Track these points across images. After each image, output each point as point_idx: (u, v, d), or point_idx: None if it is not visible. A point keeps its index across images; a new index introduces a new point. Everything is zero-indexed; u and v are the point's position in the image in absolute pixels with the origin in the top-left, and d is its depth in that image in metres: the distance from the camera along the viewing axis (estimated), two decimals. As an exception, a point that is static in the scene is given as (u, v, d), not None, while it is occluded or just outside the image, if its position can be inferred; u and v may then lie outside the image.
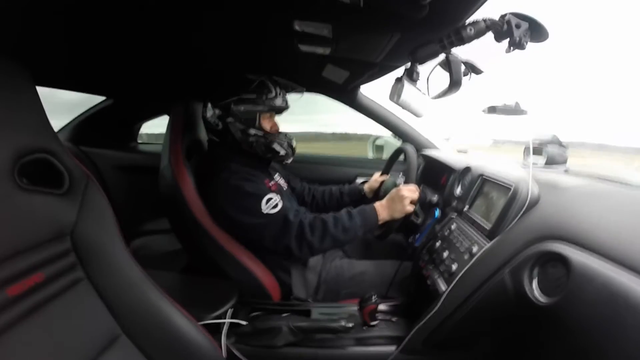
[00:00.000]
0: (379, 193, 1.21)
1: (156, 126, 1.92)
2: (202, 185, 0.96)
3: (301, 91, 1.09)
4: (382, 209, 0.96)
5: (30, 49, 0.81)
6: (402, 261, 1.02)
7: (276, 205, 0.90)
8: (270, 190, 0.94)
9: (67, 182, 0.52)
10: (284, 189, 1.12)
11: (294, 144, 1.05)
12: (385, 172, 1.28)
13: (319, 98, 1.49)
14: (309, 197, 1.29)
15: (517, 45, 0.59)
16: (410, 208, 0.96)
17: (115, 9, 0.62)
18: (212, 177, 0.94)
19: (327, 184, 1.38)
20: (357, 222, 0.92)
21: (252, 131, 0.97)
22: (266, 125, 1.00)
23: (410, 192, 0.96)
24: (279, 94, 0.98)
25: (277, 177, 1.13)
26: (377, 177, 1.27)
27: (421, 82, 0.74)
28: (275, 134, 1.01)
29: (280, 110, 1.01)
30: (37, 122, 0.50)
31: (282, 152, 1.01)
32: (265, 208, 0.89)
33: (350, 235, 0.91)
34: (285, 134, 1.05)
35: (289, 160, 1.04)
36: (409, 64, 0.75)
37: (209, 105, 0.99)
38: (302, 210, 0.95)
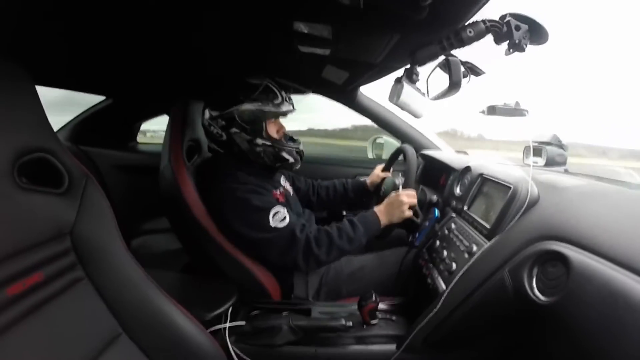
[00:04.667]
0: (380, 189, 1.22)
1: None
2: (206, 190, 0.95)
3: (305, 92, 1.08)
4: (382, 215, 0.97)
5: (30, 48, 0.81)
6: (408, 249, 1.03)
7: (284, 219, 0.89)
8: (277, 202, 0.93)
9: (66, 182, 0.52)
10: (290, 193, 1.12)
11: (302, 147, 1.03)
12: (386, 168, 1.29)
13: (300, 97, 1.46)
14: (314, 196, 1.29)
15: (516, 47, 0.59)
16: (408, 213, 0.97)
17: (115, 8, 0.62)
18: (217, 185, 0.93)
19: None
20: (360, 231, 0.93)
21: (260, 141, 0.94)
22: (273, 130, 0.97)
23: (408, 197, 0.97)
24: (285, 99, 0.96)
25: (283, 181, 1.12)
26: (378, 172, 1.27)
27: (421, 83, 0.74)
28: (283, 141, 0.98)
29: (286, 114, 0.99)
30: (36, 122, 0.50)
31: (291, 160, 0.99)
32: (273, 222, 0.88)
33: (355, 244, 0.92)
34: (292, 139, 1.03)
35: (298, 166, 1.03)
36: (408, 65, 0.75)
37: (209, 114, 0.95)
38: (307, 217, 0.95)
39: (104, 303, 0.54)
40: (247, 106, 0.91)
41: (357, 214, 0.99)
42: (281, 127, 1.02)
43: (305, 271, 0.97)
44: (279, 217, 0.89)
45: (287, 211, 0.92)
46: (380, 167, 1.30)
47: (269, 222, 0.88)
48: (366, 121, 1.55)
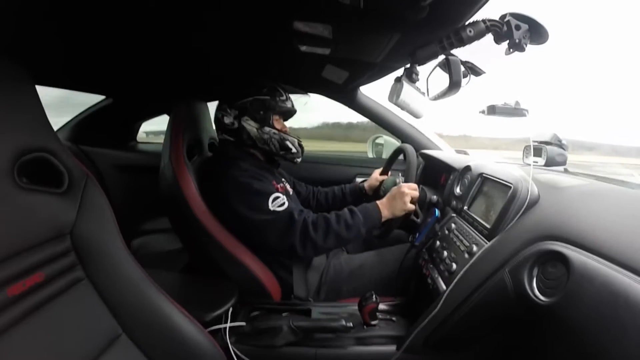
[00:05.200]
0: (379, 192, 1.22)
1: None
2: (206, 181, 0.97)
3: (305, 94, 1.12)
4: (384, 207, 0.96)
5: (30, 48, 0.81)
6: (408, 249, 1.04)
7: (283, 204, 0.92)
8: (277, 190, 0.96)
9: (66, 182, 0.52)
10: (290, 193, 1.13)
11: (302, 144, 1.09)
12: (384, 171, 1.29)
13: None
14: (313, 200, 1.31)
15: (516, 46, 0.59)
16: (411, 206, 0.96)
17: (116, 8, 0.62)
18: (219, 174, 0.95)
19: (327, 183, 1.38)
20: (359, 219, 0.92)
21: (267, 129, 1.02)
22: (277, 126, 1.05)
23: (411, 189, 0.97)
24: (289, 98, 1.06)
25: (283, 181, 1.15)
26: (377, 176, 1.28)
27: (420, 83, 0.74)
28: (286, 133, 1.06)
29: (290, 113, 1.11)
30: (36, 121, 0.50)
31: (294, 150, 1.05)
32: (272, 205, 0.91)
33: (353, 232, 0.91)
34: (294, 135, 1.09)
35: (299, 159, 1.08)
36: (408, 65, 0.75)
37: (226, 107, 1.03)
38: (306, 210, 0.96)
39: (104, 303, 0.54)
40: (258, 98, 1.02)
41: None
42: (284, 125, 1.10)
43: (303, 257, 0.97)
44: (278, 202, 0.92)
45: (287, 199, 0.94)
46: (378, 171, 1.30)
47: (268, 205, 0.90)
48: (339, 118, 1.56)
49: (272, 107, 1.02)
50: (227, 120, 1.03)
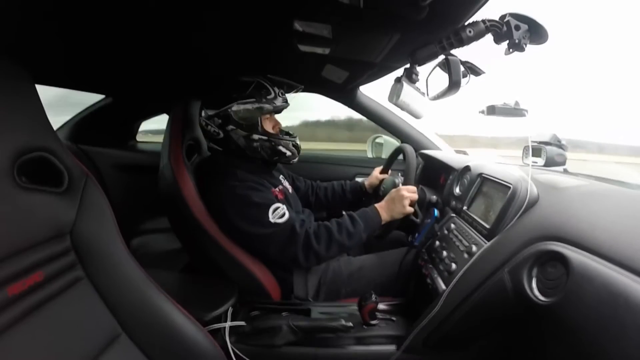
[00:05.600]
0: (379, 191, 1.22)
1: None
2: (205, 188, 0.95)
3: (299, 89, 1.08)
4: (383, 210, 0.96)
5: (30, 47, 0.81)
6: (407, 249, 1.03)
7: (283, 215, 0.89)
8: (276, 199, 0.94)
9: (66, 181, 0.52)
10: (290, 191, 1.11)
11: (298, 142, 1.04)
12: (384, 170, 1.29)
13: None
14: (312, 196, 1.30)
15: (516, 47, 0.59)
16: (409, 209, 0.96)
17: (116, 7, 0.62)
18: (217, 182, 0.93)
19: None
20: (360, 226, 0.92)
21: (256, 136, 0.96)
22: (268, 126, 0.99)
23: (409, 192, 0.97)
24: (278, 94, 0.97)
25: (282, 179, 1.13)
26: (377, 174, 1.28)
27: (420, 83, 0.74)
28: (279, 135, 1.01)
29: (281, 110, 1.00)
30: (36, 121, 0.50)
31: (288, 153, 1.01)
32: (272, 217, 0.88)
33: (355, 239, 0.91)
34: (289, 134, 1.05)
35: (295, 160, 1.04)
36: (408, 65, 0.75)
37: (205, 113, 0.97)
38: (307, 216, 0.95)
39: (103, 303, 0.54)
40: (241, 103, 0.93)
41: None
42: (277, 123, 1.03)
43: (305, 267, 0.96)
44: (279, 213, 0.89)
45: (287, 208, 0.92)
46: (378, 169, 1.30)
47: (268, 218, 0.88)
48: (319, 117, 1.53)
49: (258, 110, 0.94)
50: (212, 129, 0.96)
